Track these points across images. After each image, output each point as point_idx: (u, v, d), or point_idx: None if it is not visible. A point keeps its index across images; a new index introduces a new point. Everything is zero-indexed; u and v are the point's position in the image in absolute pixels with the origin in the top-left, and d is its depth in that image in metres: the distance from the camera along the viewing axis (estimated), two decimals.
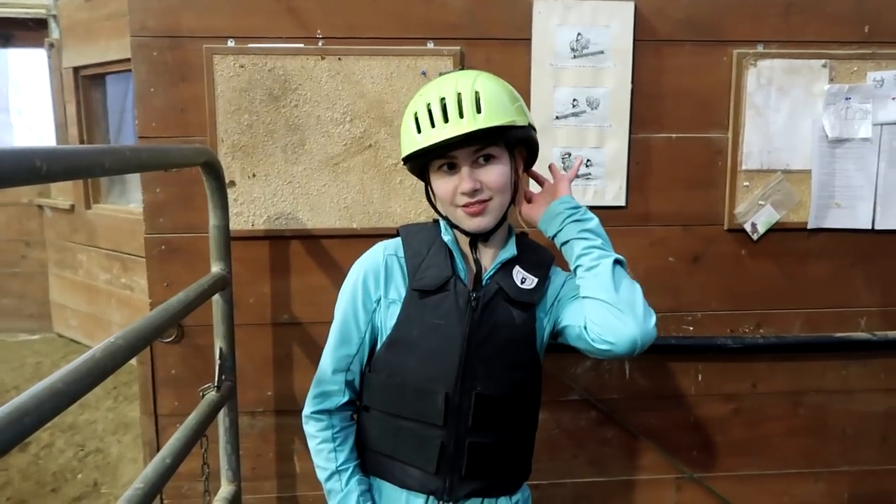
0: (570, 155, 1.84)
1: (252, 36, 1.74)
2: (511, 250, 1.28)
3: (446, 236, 1.28)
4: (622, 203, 1.87)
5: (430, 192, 1.28)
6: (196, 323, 1.78)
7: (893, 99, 1.89)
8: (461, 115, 1.15)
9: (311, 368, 1.85)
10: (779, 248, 1.94)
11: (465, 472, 1.24)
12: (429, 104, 1.17)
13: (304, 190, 1.79)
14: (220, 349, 1.67)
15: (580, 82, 1.82)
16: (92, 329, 4.69)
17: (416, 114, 1.19)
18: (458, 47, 1.77)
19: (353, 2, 1.75)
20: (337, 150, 1.79)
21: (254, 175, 1.78)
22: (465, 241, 1.28)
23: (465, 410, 1.22)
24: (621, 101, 1.83)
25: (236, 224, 1.77)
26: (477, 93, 1.16)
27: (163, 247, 1.80)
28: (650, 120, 1.86)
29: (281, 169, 1.78)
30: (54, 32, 4.47)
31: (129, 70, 1.77)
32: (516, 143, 1.23)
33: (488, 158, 1.20)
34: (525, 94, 1.73)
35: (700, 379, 1.98)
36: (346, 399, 1.31)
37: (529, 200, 1.35)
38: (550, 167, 1.37)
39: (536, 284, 1.27)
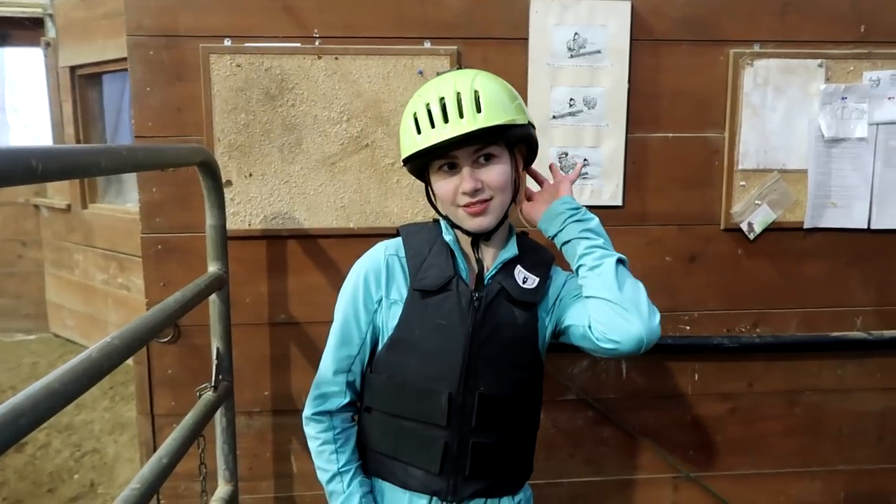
0: (566, 154, 1.84)
1: (249, 35, 1.74)
2: (512, 250, 1.28)
3: (448, 236, 1.27)
4: (619, 202, 1.88)
5: (431, 193, 1.28)
6: (193, 323, 1.78)
7: (889, 98, 1.89)
8: (461, 115, 1.14)
9: (308, 368, 1.86)
10: (775, 247, 1.94)
11: (468, 473, 1.23)
12: (428, 104, 1.17)
13: (300, 189, 1.79)
14: (217, 349, 1.67)
15: (577, 82, 1.82)
16: (88, 329, 4.68)
17: (415, 114, 1.19)
18: (455, 47, 1.77)
19: (349, 1, 1.75)
20: (334, 149, 1.79)
21: (250, 174, 1.78)
22: (466, 241, 1.28)
23: (468, 410, 1.22)
24: (618, 100, 1.83)
25: (233, 224, 1.77)
26: (476, 92, 1.15)
27: (159, 246, 1.80)
28: (647, 119, 1.86)
29: (278, 168, 1.78)
30: (51, 31, 4.46)
31: (126, 69, 1.77)
32: (516, 141, 1.23)
33: (489, 158, 1.20)
34: (522, 93, 1.72)
35: (697, 378, 1.98)
36: (347, 400, 1.30)
37: (529, 199, 1.35)
38: (551, 167, 1.37)
39: (538, 284, 1.27)
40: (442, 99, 1.16)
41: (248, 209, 1.79)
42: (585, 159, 1.84)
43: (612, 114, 1.84)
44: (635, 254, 1.88)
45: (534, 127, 1.25)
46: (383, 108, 1.78)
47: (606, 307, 1.16)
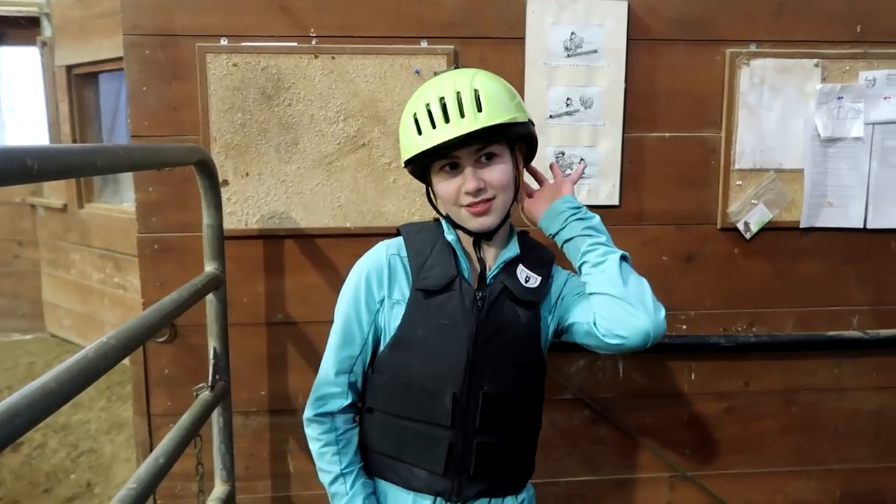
0: (563, 154, 1.84)
1: (245, 34, 1.74)
2: (514, 249, 1.28)
3: (450, 236, 1.27)
4: (615, 202, 1.88)
5: (431, 193, 1.28)
6: (189, 322, 1.77)
7: (885, 98, 1.90)
8: (462, 115, 1.14)
9: (305, 368, 1.86)
10: (771, 247, 1.94)
11: (473, 473, 1.23)
12: (428, 104, 1.16)
13: (297, 189, 1.79)
14: (214, 349, 1.67)
15: (574, 81, 1.82)
16: (85, 329, 4.67)
17: (415, 115, 1.18)
18: (452, 46, 1.77)
19: (346, 0, 1.75)
20: (330, 149, 1.79)
21: (247, 174, 1.78)
22: (468, 241, 1.28)
23: (472, 410, 1.22)
24: (615, 100, 1.83)
25: (230, 223, 1.76)
26: (476, 91, 1.15)
27: (156, 246, 1.80)
28: (643, 119, 1.86)
29: (274, 168, 1.78)
30: (47, 31, 4.46)
31: (122, 68, 1.76)
32: (517, 139, 1.23)
33: (490, 157, 1.19)
34: (519, 92, 1.72)
35: (693, 378, 1.99)
36: (348, 401, 1.29)
37: (529, 196, 1.35)
38: (552, 166, 1.37)
39: (540, 283, 1.27)
40: (442, 99, 1.15)
41: (244, 209, 1.79)
42: (582, 159, 1.84)
43: (608, 113, 1.84)
44: (632, 253, 1.85)
45: (533, 124, 1.25)
46: (380, 108, 1.78)
47: (612, 303, 1.17)
